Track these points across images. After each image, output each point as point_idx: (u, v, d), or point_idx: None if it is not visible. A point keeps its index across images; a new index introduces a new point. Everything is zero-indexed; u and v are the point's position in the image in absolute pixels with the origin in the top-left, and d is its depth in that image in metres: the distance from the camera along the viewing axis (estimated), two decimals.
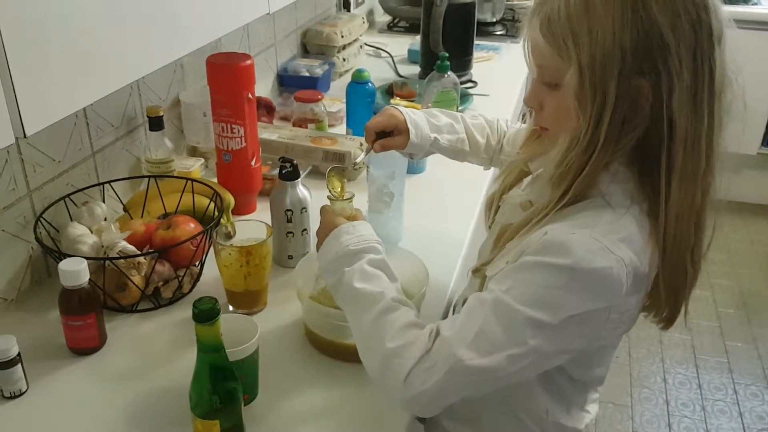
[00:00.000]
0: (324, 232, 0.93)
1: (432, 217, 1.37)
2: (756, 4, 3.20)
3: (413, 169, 1.52)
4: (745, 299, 2.83)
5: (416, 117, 1.12)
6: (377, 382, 0.84)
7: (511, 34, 2.57)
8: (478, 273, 0.92)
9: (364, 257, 0.88)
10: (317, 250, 0.94)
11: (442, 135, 1.14)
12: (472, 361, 0.76)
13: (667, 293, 0.83)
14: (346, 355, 0.98)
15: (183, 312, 1.09)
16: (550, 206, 0.82)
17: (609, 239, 0.76)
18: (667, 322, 0.88)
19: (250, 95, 1.25)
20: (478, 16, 2.16)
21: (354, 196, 1.02)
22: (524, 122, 1.17)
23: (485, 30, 2.52)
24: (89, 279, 0.96)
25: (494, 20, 2.57)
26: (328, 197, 1.02)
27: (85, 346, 1.00)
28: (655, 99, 0.76)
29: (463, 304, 1.00)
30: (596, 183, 0.81)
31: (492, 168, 1.25)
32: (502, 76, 2.16)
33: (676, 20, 0.74)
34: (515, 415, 0.95)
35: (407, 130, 1.10)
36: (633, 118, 0.77)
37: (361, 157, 1.10)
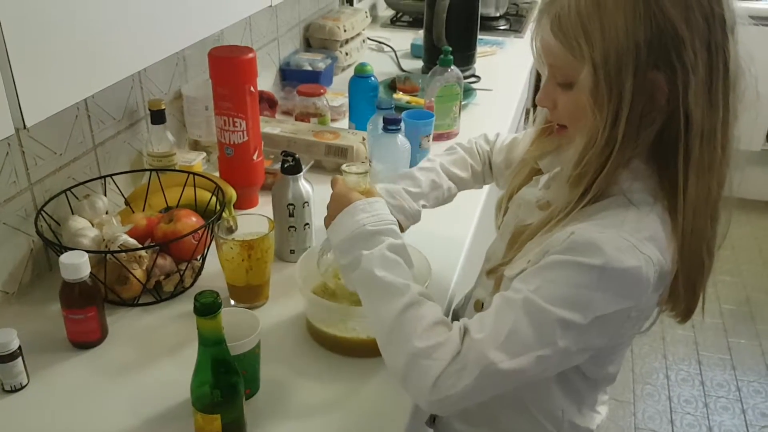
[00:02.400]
0: (337, 206, 0.89)
1: (434, 213, 1.36)
2: None
3: (415, 165, 1.51)
4: (749, 296, 2.82)
5: (401, 203, 1.03)
6: (399, 380, 0.79)
7: (515, 28, 2.56)
8: (493, 274, 0.90)
9: (383, 240, 0.84)
10: (326, 224, 0.91)
11: (428, 198, 1.09)
12: (503, 363, 0.74)
13: (685, 287, 0.82)
14: (347, 349, 0.98)
15: (184, 306, 1.09)
16: (571, 206, 0.80)
17: (636, 238, 0.75)
18: (685, 315, 0.87)
19: (252, 88, 1.25)
20: (482, 10, 2.15)
21: (369, 170, 0.98)
22: (526, 122, 1.16)
23: (489, 24, 2.51)
24: (90, 272, 0.96)
25: (498, 15, 2.56)
26: (342, 169, 0.97)
27: (86, 339, 1.00)
28: (671, 92, 0.75)
29: (475, 305, 0.99)
30: (617, 181, 0.80)
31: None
32: (505, 71, 2.15)
33: (689, 13, 0.73)
34: (532, 415, 0.94)
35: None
36: (650, 112, 0.76)
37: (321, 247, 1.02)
